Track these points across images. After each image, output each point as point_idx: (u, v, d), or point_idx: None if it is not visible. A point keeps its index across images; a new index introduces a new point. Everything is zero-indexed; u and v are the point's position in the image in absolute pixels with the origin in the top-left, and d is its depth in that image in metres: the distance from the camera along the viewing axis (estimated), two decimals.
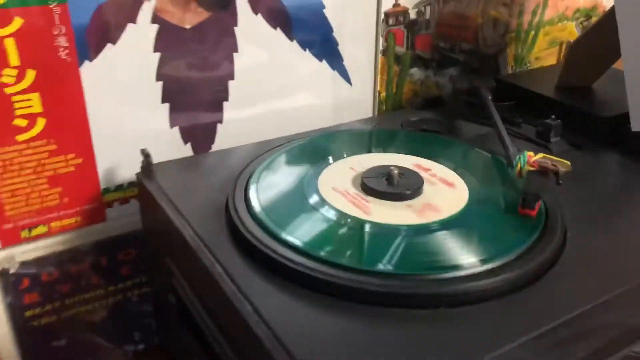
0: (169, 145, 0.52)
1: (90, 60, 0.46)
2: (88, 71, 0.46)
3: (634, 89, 0.49)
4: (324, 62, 0.58)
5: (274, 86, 0.55)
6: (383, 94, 0.63)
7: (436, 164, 0.47)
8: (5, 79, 0.43)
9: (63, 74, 0.45)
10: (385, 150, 0.50)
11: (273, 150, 0.49)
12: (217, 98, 0.53)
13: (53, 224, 0.49)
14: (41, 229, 0.49)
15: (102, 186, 0.50)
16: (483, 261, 0.35)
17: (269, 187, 0.43)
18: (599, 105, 0.56)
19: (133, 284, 0.56)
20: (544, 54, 0.75)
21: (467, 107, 0.58)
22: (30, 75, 0.44)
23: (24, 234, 0.49)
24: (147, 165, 0.47)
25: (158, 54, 0.49)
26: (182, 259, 0.41)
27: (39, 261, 0.50)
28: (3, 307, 0.51)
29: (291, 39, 0.55)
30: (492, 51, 0.69)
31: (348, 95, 0.60)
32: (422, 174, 0.44)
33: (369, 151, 0.50)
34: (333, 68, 0.58)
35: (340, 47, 0.58)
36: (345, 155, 0.48)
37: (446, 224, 0.39)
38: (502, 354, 0.29)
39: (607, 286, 0.35)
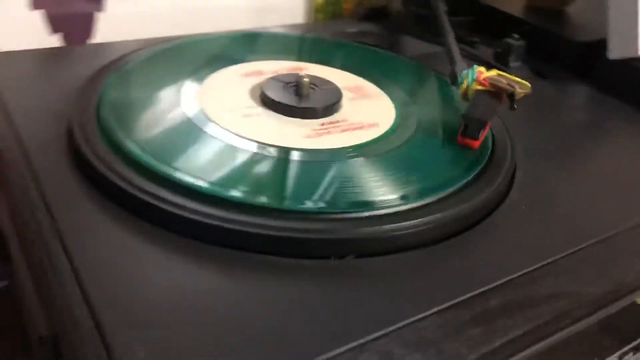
0: (29, 33, 0.41)
1: None
2: None
3: (617, 10, 0.40)
4: None
5: None
6: (320, 0, 0.52)
7: (362, 79, 0.37)
8: None
9: None
10: (292, 59, 0.39)
11: (145, 50, 0.37)
12: None
13: None
14: None
15: None
16: (403, 198, 0.26)
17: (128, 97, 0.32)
18: (572, 29, 0.47)
19: None
20: None
21: (417, 21, 0.48)
22: None
23: None
24: None
25: None
26: None
27: None
28: None
29: None
30: None
31: None
32: (344, 91, 0.34)
33: (272, 58, 0.39)
34: None
35: None
36: (240, 61, 0.37)
37: (361, 150, 0.29)
38: (412, 325, 0.21)
39: (558, 244, 0.26)
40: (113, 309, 0.20)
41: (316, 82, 0.33)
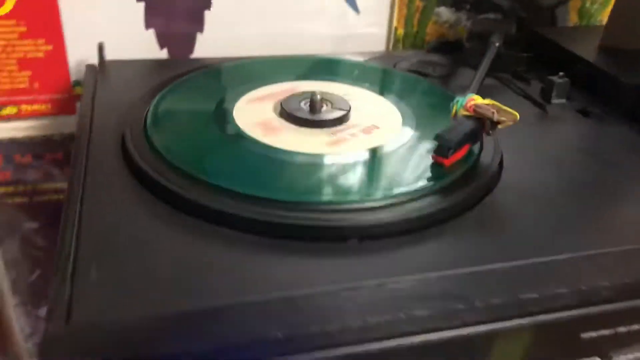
0: (143, 47, 0.51)
1: None
2: None
3: None
4: None
5: (261, 3, 0.52)
6: (401, 31, 0.57)
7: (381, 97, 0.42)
8: None
9: None
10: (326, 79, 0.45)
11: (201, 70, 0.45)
12: (197, 5, 0.51)
13: (23, 107, 0.51)
14: (11, 110, 0.51)
15: (73, 78, 0.51)
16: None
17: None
18: (631, 71, 0.46)
19: None
20: None
21: (476, 55, 0.50)
22: None
23: None
24: (101, 60, 0.46)
25: None
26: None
27: (12, 142, 0.52)
28: None
29: None
30: (549, 2, 0.60)
31: (354, 24, 0.55)
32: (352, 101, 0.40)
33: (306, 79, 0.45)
34: None
35: None
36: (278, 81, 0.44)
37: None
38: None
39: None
40: (94, 243, 0.27)
41: (328, 98, 0.39)
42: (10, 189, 0.54)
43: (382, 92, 0.43)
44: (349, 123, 0.38)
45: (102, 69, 0.46)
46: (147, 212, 0.30)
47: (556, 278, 0.27)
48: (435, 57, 0.52)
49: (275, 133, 0.36)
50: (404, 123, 0.38)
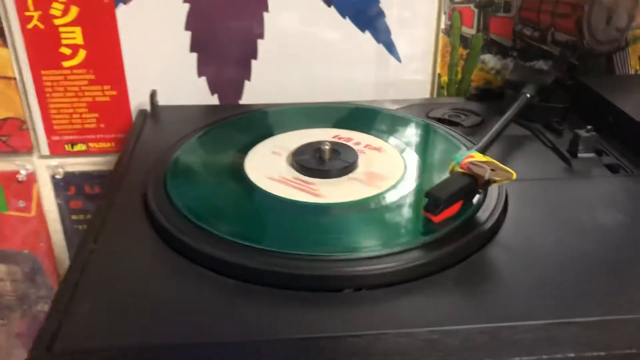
0: (196, 93, 0.56)
1: (125, 3, 0.52)
2: (123, 13, 0.52)
3: None
4: (368, 33, 0.55)
5: (305, 51, 0.55)
6: (445, 78, 0.58)
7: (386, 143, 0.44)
8: (53, 11, 0.51)
9: (101, 13, 0.51)
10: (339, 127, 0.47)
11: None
12: (245, 55, 0.55)
13: (91, 144, 0.57)
14: (81, 147, 0.57)
15: (134, 119, 0.56)
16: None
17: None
18: None
19: None
20: None
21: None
22: (74, 10, 0.51)
23: (67, 147, 0.57)
24: (152, 105, 0.51)
25: (188, 5, 0.52)
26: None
27: (83, 175, 0.59)
28: (56, 207, 0.60)
29: (329, 4, 0.53)
30: (603, 48, 0.58)
31: (396, 72, 0.57)
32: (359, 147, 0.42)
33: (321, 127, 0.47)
34: (378, 41, 0.55)
35: (388, 20, 0.54)
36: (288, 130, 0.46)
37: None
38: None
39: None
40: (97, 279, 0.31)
41: (338, 147, 0.41)
42: (81, 216, 0.61)
43: (392, 141, 0.44)
44: (355, 172, 0.39)
45: (153, 113, 0.51)
46: (167, 267, 0.32)
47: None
48: (472, 105, 0.53)
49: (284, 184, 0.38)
50: (408, 175, 0.39)
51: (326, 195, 0.37)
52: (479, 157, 0.35)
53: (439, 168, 0.40)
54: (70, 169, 0.58)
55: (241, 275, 0.31)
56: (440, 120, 0.49)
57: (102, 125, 0.56)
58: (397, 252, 0.32)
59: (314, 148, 0.41)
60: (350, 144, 0.43)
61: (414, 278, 0.31)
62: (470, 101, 0.54)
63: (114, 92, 0.55)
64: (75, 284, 0.30)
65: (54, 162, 0.58)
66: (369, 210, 0.36)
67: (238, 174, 0.40)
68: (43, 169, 0.58)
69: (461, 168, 0.35)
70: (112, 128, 0.56)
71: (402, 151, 0.43)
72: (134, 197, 0.38)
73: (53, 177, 0.59)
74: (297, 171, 0.39)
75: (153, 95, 0.51)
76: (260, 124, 0.49)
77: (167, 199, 0.37)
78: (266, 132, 0.45)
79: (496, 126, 0.42)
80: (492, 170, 0.34)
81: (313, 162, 0.39)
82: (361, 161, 0.41)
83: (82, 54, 0.53)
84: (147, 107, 0.53)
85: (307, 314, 0.29)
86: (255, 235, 0.33)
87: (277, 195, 0.37)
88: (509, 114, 0.43)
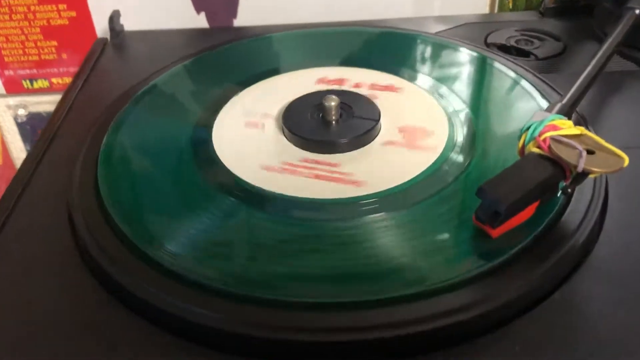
0: (177, 13, 0.42)
1: None
2: None
3: None
4: None
5: None
6: None
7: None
8: None
9: None
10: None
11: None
12: None
13: (54, 80, 0.45)
14: (42, 83, 0.46)
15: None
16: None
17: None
18: None
19: None
20: None
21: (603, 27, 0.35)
22: None
23: (26, 84, 0.46)
24: (112, 31, 0.38)
25: None
26: None
27: (48, 116, 0.48)
28: (26, 154, 0.50)
29: None
30: None
31: None
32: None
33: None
34: None
35: None
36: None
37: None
38: None
39: None
40: None
41: (350, 101, 0.27)
42: None
43: (434, 87, 0.30)
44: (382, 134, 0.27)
45: (114, 41, 0.38)
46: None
47: None
48: (549, 25, 0.38)
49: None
50: (451, 149, 0.26)
51: (365, 181, 0.24)
52: (567, 126, 0.22)
53: (507, 135, 0.27)
54: (34, 108, 0.48)
55: None
56: (503, 48, 0.35)
57: (63, 56, 0.44)
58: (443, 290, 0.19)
59: (313, 105, 0.28)
60: (357, 90, 0.29)
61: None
62: (547, 18, 0.39)
63: (73, 13, 0.42)
64: None
65: (12, 101, 0.47)
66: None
67: (210, 169, 0.26)
68: (3, 109, 0.47)
69: (538, 147, 0.21)
70: (76, 59, 0.44)
71: (450, 107, 0.29)
72: (60, 168, 0.27)
73: (16, 120, 0.48)
74: (300, 147, 0.27)
75: (113, 17, 0.38)
76: (232, 63, 0.34)
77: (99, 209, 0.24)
78: (237, 82, 0.32)
79: (593, 62, 0.27)
80: (590, 153, 0.20)
81: (321, 131, 0.27)
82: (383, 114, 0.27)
83: None
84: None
85: None
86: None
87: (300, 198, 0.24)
88: (610, 40, 0.29)
